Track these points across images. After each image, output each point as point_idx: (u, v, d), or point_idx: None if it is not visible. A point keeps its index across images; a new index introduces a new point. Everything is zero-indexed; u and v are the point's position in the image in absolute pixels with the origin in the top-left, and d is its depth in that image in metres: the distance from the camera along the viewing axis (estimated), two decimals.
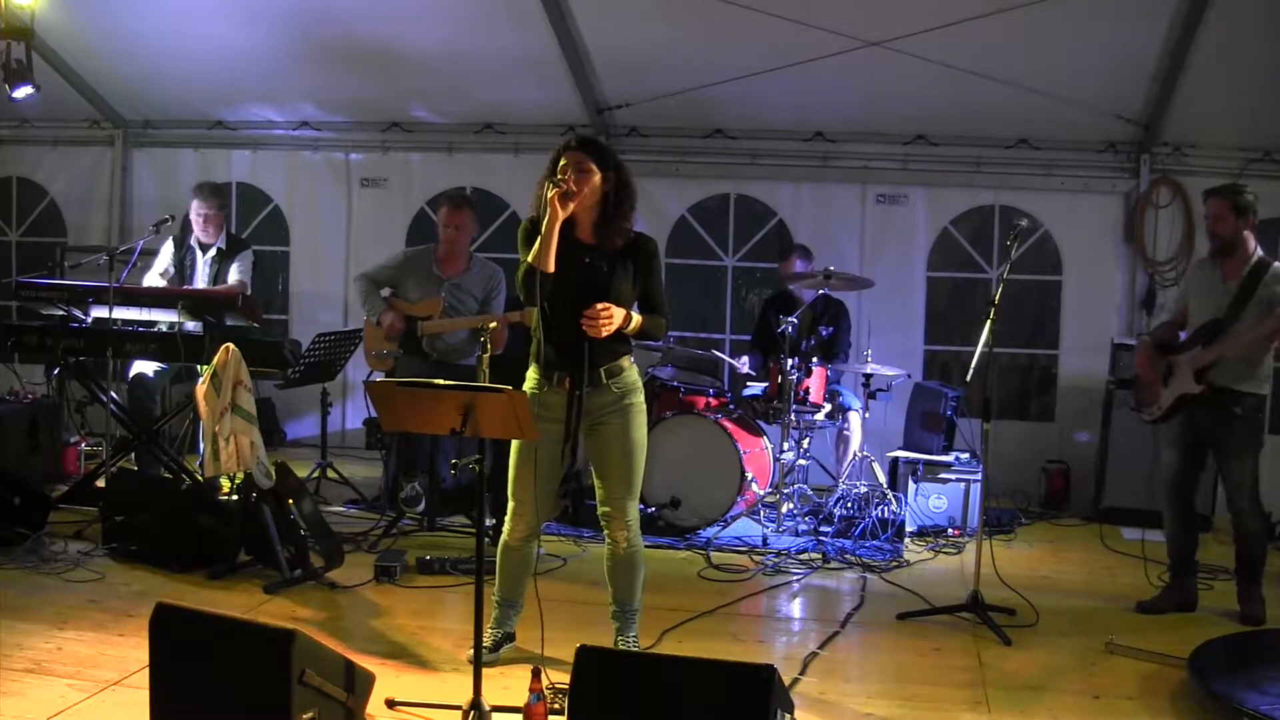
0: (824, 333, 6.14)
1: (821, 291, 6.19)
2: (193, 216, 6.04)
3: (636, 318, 3.60)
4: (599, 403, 3.63)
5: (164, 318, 5.60)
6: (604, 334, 3.49)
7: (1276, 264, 4.44)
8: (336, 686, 2.94)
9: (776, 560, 5.22)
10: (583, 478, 5.80)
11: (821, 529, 5.69)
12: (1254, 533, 4.50)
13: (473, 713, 3.07)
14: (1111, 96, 6.25)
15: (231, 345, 4.65)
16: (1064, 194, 6.81)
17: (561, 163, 3.52)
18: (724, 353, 6.49)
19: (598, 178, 3.54)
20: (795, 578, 5.01)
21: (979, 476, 5.76)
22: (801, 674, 3.80)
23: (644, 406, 3.74)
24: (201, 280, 6.05)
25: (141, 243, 5.95)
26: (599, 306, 3.48)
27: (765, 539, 5.53)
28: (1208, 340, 4.44)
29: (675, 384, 6.14)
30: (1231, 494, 4.51)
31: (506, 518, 3.76)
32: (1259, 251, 4.47)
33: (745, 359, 6.21)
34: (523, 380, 3.66)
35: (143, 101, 7.55)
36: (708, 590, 4.78)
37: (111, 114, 7.65)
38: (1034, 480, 6.69)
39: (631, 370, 3.71)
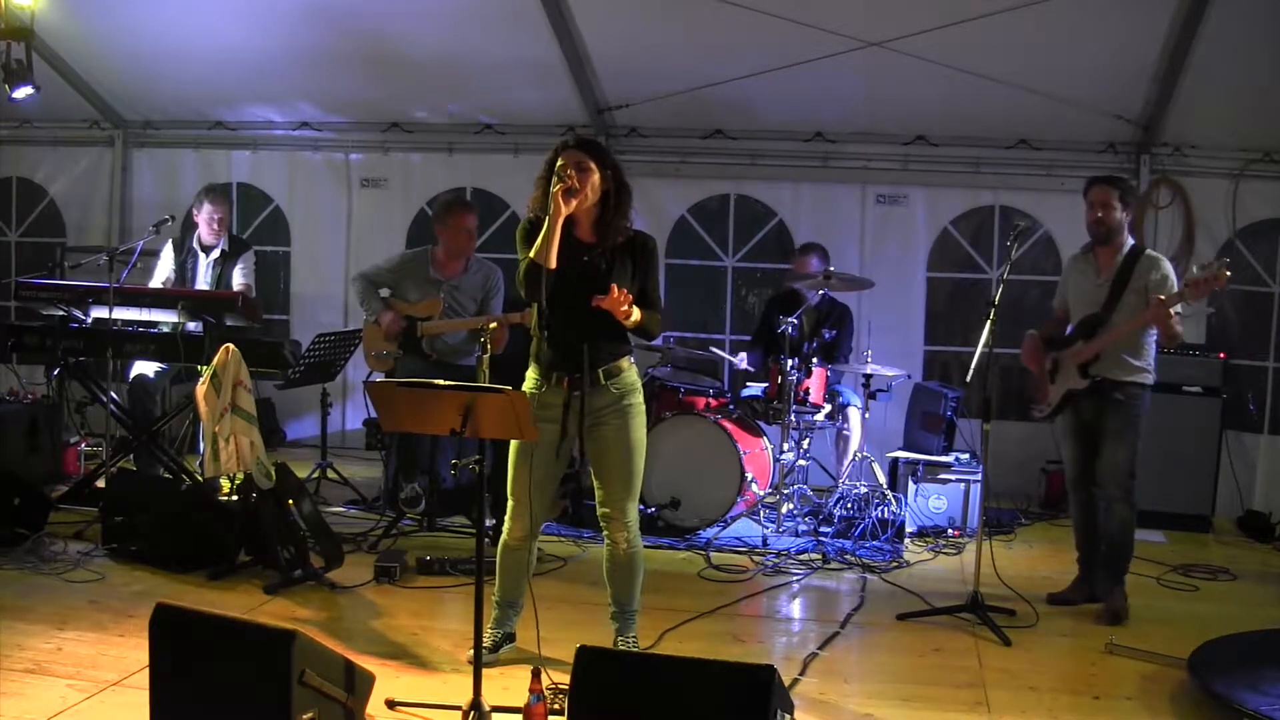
0: (827, 336, 6.14)
1: (823, 293, 6.20)
2: (203, 219, 6.06)
3: (638, 312, 3.60)
4: (598, 403, 3.64)
5: (165, 318, 5.60)
6: (625, 314, 3.47)
7: (1149, 251, 4.51)
8: (336, 687, 2.94)
9: (776, 560, 5.22)
10: (582, 478, 5.79)
11: (821, 529, 5.69)
12: (1122, 521, 4.51)
13: (473, 713, 3.07)
14: (1111, 96, 6.25)
15: (231, 345, 4.65)
16: (1064, 194, 6.77)
17: (560, 162, 3.52)
18: (724, 352, 6.49)
19: (597, 176, 3.55)
20: (795, 578, 5.01)
21: (979, 477, 5.76)
22: (801, 674, 3.80)
23: (643, 407, 3.74)
24: (203, 283, 6.05)
25: (141, 243, 5.96)
26: (619, 298, 3.45)
27: (765, 539, 5.53)
28: (1088, 335, 4.51)
29: (675, 384, 6.14)
30: (1103, 478, 4.52)
31: (506, 518, 3.76)
32: (1130, 240, 4.53)
33: (743, 355, 6.21)
34: (522, 380, 3.66)
35: (143, 101, 7.55)
36: (708, 590, 4.78)
37: (111, 114, 7.64)
38: (1034, 481, 6.69)
39: (631, 371, 3.71)
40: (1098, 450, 4.57)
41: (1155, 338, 4.51)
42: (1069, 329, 4.72)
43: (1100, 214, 4.50)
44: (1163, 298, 4.26)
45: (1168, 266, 4.46)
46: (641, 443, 3.71)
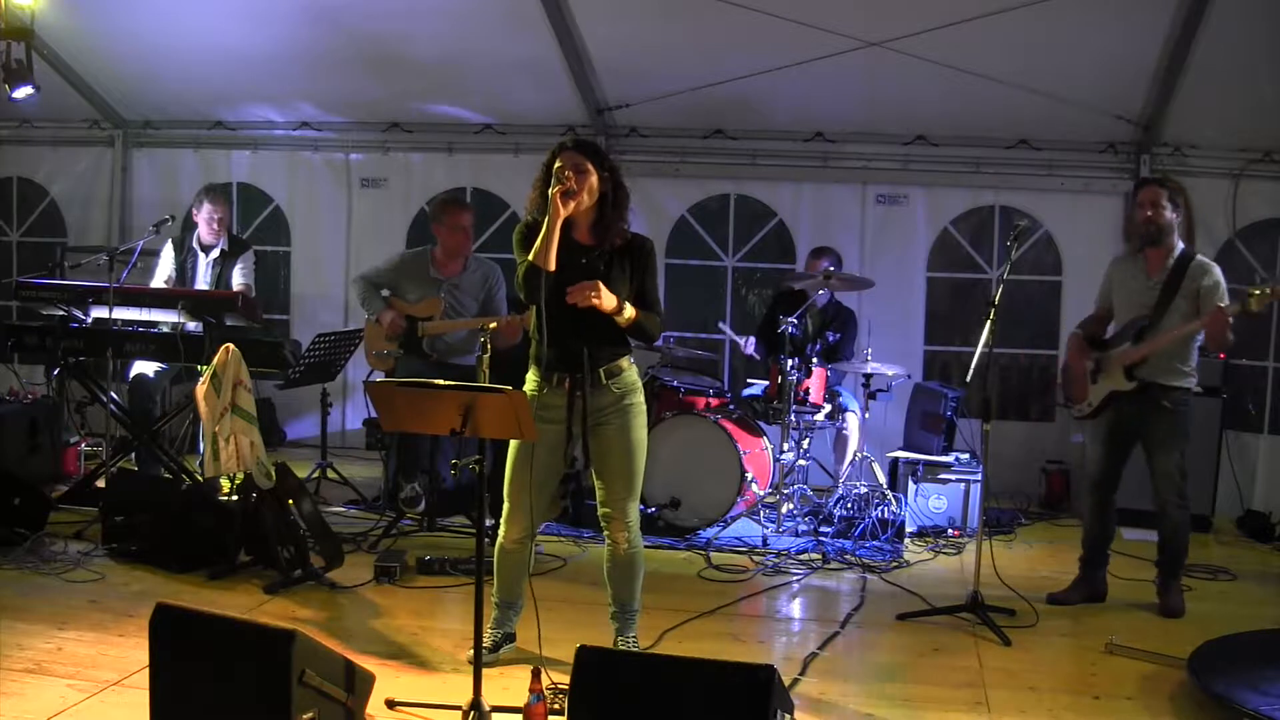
0: (831, 338, 6.14)
1: (829, 296, 6.19)
2: (203, 219, 6.05)
3: (631, 310, 3.59)
4: (599, 403, 3.64)
5: (164, 318, 5.60)
6: (591, 303, 3.46)
7: (1200, 257, 4.52)
8: (336, 686, 2.94)
9: (776, 560, 5.22)
10: (583, 478, 5.80)
11: (821, 529, 5.69)
12: (1179, 524, 4.57)
13: (473, 713, 3.07)
14: (1111, 96, 6.25)
15: (231, 345, 4.65)
16: (1064, 194, 6.81)
17: (557, 164, 3.52)
18: (724, 355, 6.50)
19: (595, 178, 3.56)
20: (795, 578, 5.01)
21: (979, 477, 5.76)
22: (801, 674, 3.80)
23: (644, 407, 3.74)
24: (203, 282, 6.05)
25: (142, 243, 5.96)
26: (587, 283, 3.47)
27: (765, 539, 5.53)
28: (1136, 338, 4.51)
29: (675, 384, 6.14)
30: (1158, 485, 4.56)
31: (502, 520, 3.76)
32: (1180, 245, 4.54)
33: (750, 339, 6.23)
34: (522, 380, 3.66)
35: (143, 101, 7.56)
36: (708, 590, 4.78)
37: (111, 114, 7.65)
38: (1034, 481, 6.69)
39: (631, 370, 3.71)
40: (1147, 461, 4.58)
41: (1199, 343, 4.53)
42: (1110, 330, 4.71)
43: (1150, 213, 4.50)
44: (1223, 305, 4.27)
45: (1219, 273, 4.47)
46: (643, 442, 3.71)
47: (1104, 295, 4.84)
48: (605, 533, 3.76)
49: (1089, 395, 4.69)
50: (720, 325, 6.46)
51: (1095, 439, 4.74)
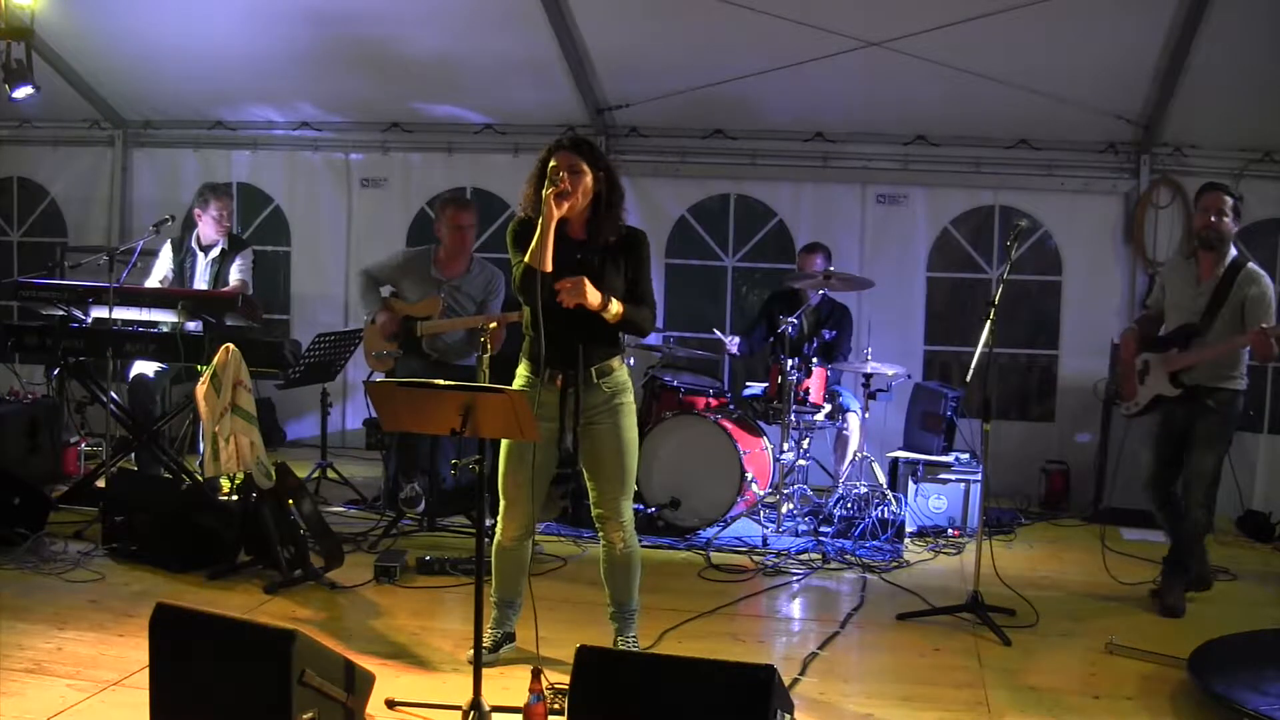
0: (827, 336, 6.14)
1: (823, 294, 6.20)
2: (212, 216, 6.03)
3: (618, 305, 3.58)
4: (590, 402, 3.64)
5: (164, 318, 5.60)
6: (574, 302, 3.46)
7: (1250, 265, 4.49)
8: (336, 686, 2.94)
9: (776, 560, 5.22)
10: (581, 477, 5.79)
11: (821, 529, 5.69)
12: (1197, 524, 4.57)
13: (473, 713, 3.07)
14: (1111, 97, 6.25)
15: (231, 345, 4.65)
16: (1064, 194, 6.81)
17: (552, 164, 3.53)
18: (724, 355, 6.48)
19: (590, 178, 3.56)
20: (795, 578, 5.01)
21: (979, 477, 5.76)
22: (801, 674, 3.80)
23: (633, 407, 3.75)
24: (202, 282, 6.05)
25: (141, 243, 5.95)
26: (572, 279, 3.47)
27: (765, 539, 5.53)
28: (1183, 344, 4.51)
29: (675, 384, 6.14)
30: (1189, 482, 4.56)
31: (498, 518, 3.76)
32: (1234, 252, 4.53)
33: (735, 339, 6.24)
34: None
35: (143, 101, 7.56)
36: (708, 590, 4.78)
37: (111, 114, 7.65)
38: (1034, 480, 6.69)
39: (621, 370, 3.72)
40: (1184, 457, 4.57)
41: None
42: (1163, 330, 4.70)
43: (1213, 218, 4.46)
44: (1265, 326, 4.27)
45: (1267, 283, 4.45)
46: (633, 441, 3.71)
47: (1155, 299, 4.83)
48: (600, 533, 3.76)
49: (1137, 395, 4.69)
50: (714, 331, 6.44)
51: (1146, 443, 4.76)
